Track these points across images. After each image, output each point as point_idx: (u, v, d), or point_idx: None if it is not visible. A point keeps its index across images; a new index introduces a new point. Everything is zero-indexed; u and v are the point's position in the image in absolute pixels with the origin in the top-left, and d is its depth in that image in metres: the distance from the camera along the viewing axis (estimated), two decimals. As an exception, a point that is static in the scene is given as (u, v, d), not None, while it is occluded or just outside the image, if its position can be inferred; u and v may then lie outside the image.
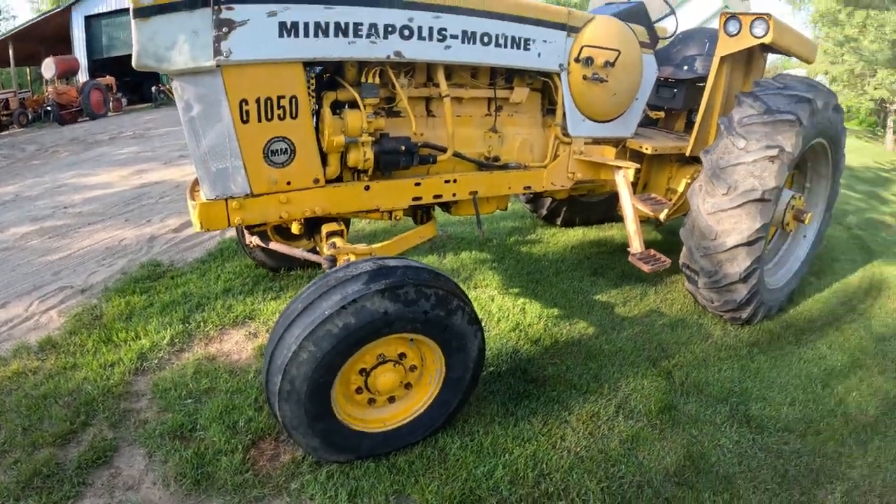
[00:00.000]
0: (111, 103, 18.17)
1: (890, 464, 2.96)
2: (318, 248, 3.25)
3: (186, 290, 4.04)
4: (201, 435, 2.65)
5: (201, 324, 3.61)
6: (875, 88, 24.61)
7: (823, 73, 27.72)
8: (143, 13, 2.20)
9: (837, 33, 21.13)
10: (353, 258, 2.70)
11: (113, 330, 3.48)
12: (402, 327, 2.26)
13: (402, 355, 2.44)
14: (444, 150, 3.20)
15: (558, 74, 3.50)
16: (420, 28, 2.80)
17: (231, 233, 5.10)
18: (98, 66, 21.95)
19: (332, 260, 2.76)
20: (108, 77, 18.98)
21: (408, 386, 2.54)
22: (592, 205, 5.88)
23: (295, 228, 3.24)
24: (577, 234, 5.83)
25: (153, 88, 19.40)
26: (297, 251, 3.33)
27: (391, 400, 2.53)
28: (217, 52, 2.32)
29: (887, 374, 3.88)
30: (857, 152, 21.75)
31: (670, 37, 4.81)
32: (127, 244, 5.13)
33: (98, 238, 5.30)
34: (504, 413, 2.90)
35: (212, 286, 4.13)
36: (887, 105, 26.11)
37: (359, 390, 2.40)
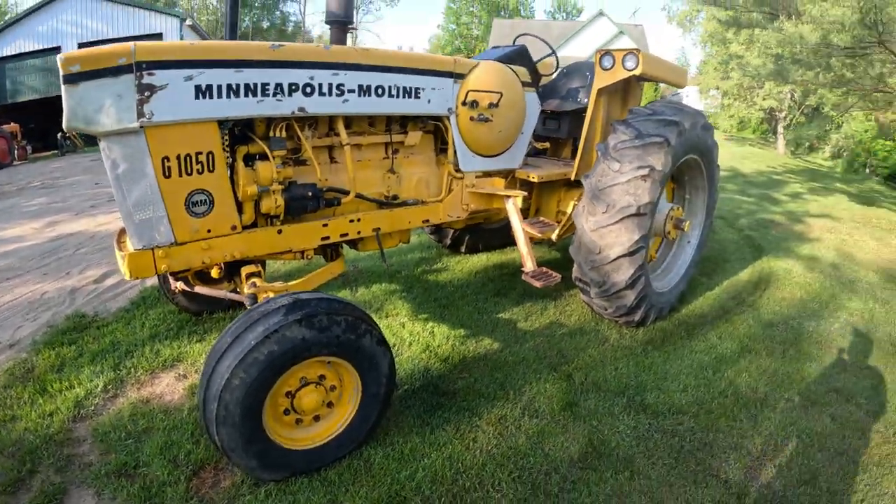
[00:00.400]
0: (16, 151, 17.40)
1: (780, 431, 3.41)
2: (238, 289, 3.46)
3: (114, 339, 4.13)
4: (145, 471, 2.79)
5: (132, 369, 3.71)
6: (764, 99, 26.58)
7: (715, 88, 29.69)
8: (72, 79, 2.40)
9: (723, 52, 22.77)
10: (271, 295, 2.95)
11: (47, 381, 3.55)
12: (318, 351, 2.53)
13: (322, 377, 2.70)
14: (347, 193, 3.49)
15: (448, 117, 3.87)
16: (320, 85, 3.11)
17: (151, 281, 5.20)
18: (1, 112, 21.03)
19: (254, 298, 2.98)
20: (12, 124, 18.20)
21: (330, 405, 2.78)
22: (494, 231, 6.24)
23: (214, 273, 3.47)
24: (480, 260, 6.19)
25: (59, 136, 18.71)
26: (221, 292, 3.51)
27: (316, 419, 2.76)
28: (140, 114, 2.56)
29: (775, 356, 4.40)
30: (752, 158, 23.31)
31: (553, 73, 5.24)
32: (49, 297, 5.11)
33: (19, 293, 5.25)
34: (420, 424, 3.17)
35: (138, 333, 4.22)
36: (776, 113, 28.14)
37: (286, 411, 2.63)
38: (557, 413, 3.37)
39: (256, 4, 51.11)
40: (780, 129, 27.78)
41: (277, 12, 52.52)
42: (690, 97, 37.79)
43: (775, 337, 4.77)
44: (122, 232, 3.31)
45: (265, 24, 52.80)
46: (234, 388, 2.32)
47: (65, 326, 4.42)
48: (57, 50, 19.42)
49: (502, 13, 63.20)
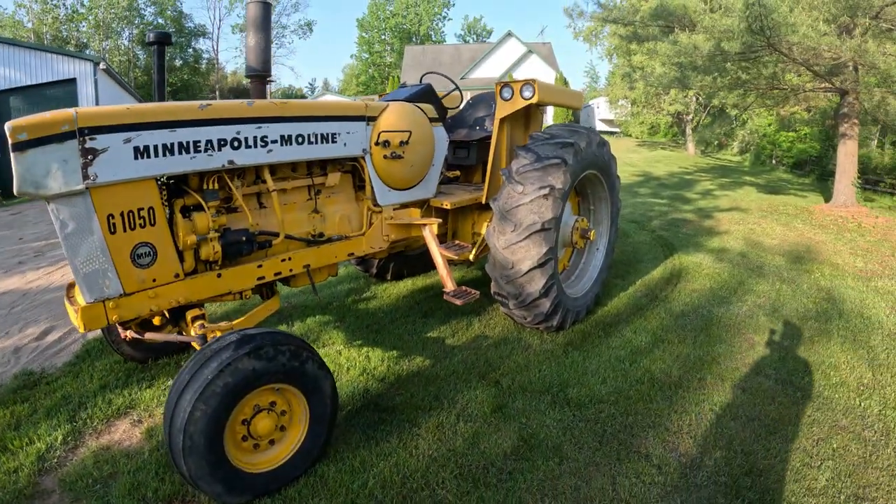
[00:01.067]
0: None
1: (694, 407, 3.84)
2: (184, 332, 3.62)
3: (65, 393, 4.19)
4: None
5: (88, 420, 3.79)
6: (670, 105, 28.05)
7: (624, 98, 31.14)
8: (20, 147, 2.54)
9: (627, 64, 24.02)
10: (218, 334, 3.17)
11: (6, 439, 3.60)
12: (268, 379, 2.77)
13: (273, 403, 2.92)
14: (277, 235, 3.73)
15: (363, 157, 4.17)
16: (246, 138, 3.38)
17: (93, 334, 5.25)
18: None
19: (203, 338, 3.18)
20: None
21: (282, 428, 3.00)
22: (416, 257, 6.55)
23: (156, 321, 3.63)
24: (406, 285, 6.48)
25: None
26: (172, 336, 3.64)
27: (272, 442, 2.96)
28: (85, 176, 2.74)
29: (686, 343, 4.85)
30: (664, 161, 24.32)
31: (459, 105, 5.64)
32: None
33: (-41, 356, 5.22)
34: (366, 439, 3.42)
35: (88, 385, 4.29)
36: (684, 116, 29.67)
37: (244, 438, 2.84)
38: (489, 415, 3.70)
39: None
40: (688, 131, 29.22)
41: (190, 49, 51.83)
42: (600, 108, 39.31)
43: (686, 326, 5.26)
44: (71, 286, 3.46)
45: (178, 62, 52.01)
46: (197, 420, 2.53)
47: (14, 385, 4.43)
48: (-31, 99, 18.68)
49: (413, 40, 64.25)
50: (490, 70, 40.54)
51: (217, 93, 52.81)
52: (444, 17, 68.75)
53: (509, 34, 41.77)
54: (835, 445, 3.48)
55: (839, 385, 4.24)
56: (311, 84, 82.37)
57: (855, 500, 3.02)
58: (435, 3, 66.90)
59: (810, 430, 3.65)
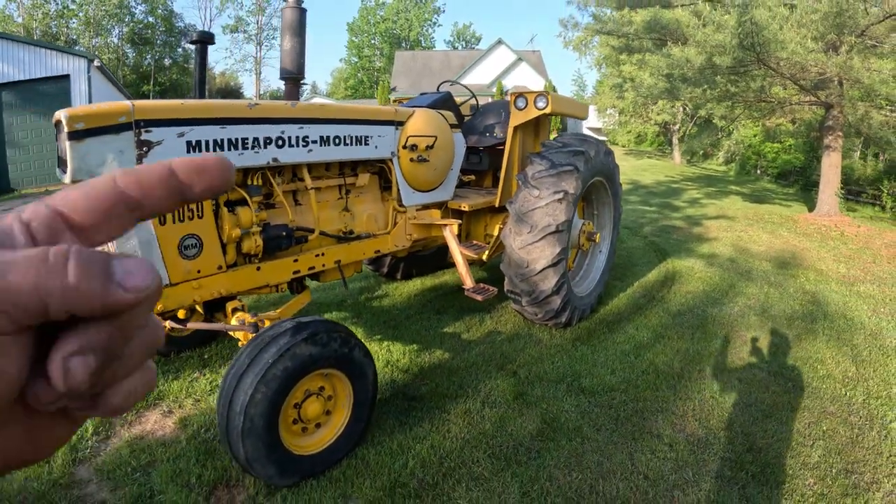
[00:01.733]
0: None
1: (696, 394, 4.17)
2: (220, 322, 3.73)
3: None
4: (161, 498, 2.96)
5: None
6: (658, 114, 28.45)
7: (612, 107, 31.53)
8: (77, 136, 2.61)
9: (617, 74, 24.39)
10: (268, 323, 3.34)
11: None
12: (322, 364, 2.97)
13: (322, 388, 3.11)
14: (312, 231, 3.92)
15: (391, 160, 4.39)
16: (290, 138, 3.57)
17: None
18: None
19: (255, 326, 3.30)
20: None
21: (328, 412, 3.18)
22: (425, 258, 6.80)
23: (181, 314, 3.64)
24: (416, 284, 6.70)
25: None
26: (220, 325, 3.65)
27: (318, 426, 3.15)
28: None
29: (685, 338, 5.16)
30: (651, 170, 24.59)
31: (473, 114, 5.91)
32: None
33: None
34: (400, 424, 3.64)
35: None
36: (671, 126, 30.12)
37: (294, 421, 3.01)
38: (511, 402, 3.96)
39: (158, 42, 49.98)
40: (675, 140, 29.63)
41: (179, 49, 51.56)
42: (589, 116, 39.56)
43: (684, 324, 5.56)
44: None
45: (167, 62, 51.71)
46: (258, 402, 2.69)
47: None
48: (-39, 93, 18.49)
49: (403, 45, 64.07)
50: (480, 77, 40.65)
51: (206, 94, 52.49)
52: (435, 23, 68.72)
53: (499, 41, 41.84)
54: (825, 428, 3.81)
55: (826, 377, 4.57)
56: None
57: (845, 473, 3.34)
58: (425, 9, 66.98)
59: (802, 414, 3.97)
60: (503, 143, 5.29)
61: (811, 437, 3.67)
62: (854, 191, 17.10)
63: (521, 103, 5.00)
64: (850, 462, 3.44)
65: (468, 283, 4.63)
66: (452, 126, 4.89)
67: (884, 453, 3.55)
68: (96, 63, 19.88)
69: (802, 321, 5.83)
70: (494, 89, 34.27)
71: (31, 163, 19.03)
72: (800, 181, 20.97)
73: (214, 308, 3.75)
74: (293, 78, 3.97)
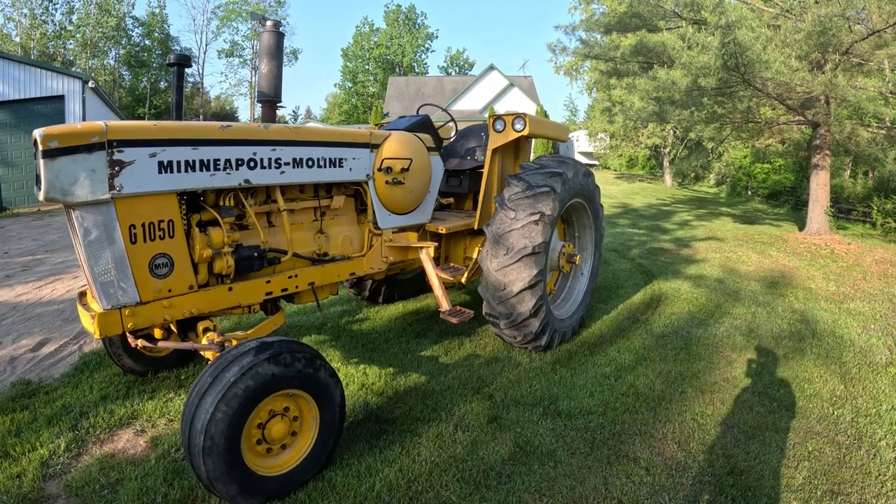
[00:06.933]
0: None
1: (677, 417, 4.08)
2: (192, 342, 3.69)
3: (65, 402, 4.24)
4: None
5: (90, 429, 3.84)
6: (648, 138, 28.66)
7: (603, 131, 31.75)
8: (50, 154, 2.69)
9: (605, 99, 24.61)
10: (234, 342, 3.31)
11: (7, 445, 3.64)
12: (285, 384, 2.92)
13: (287, 409, 3.06)
14: (285, 253, 3.92)
15: (366, 182, 4.40)
16: (262, 159, 3.59)
17: (89, 347, 5.44)
18: None
19: (221, 345, 3.29)
20: None
21: (294, 433, 3.13)
22: (407, 281, 6.81)
23: (157, 333, 3.65)
24: (398, 308, 6.68)
25: None
26: (188, 344, 3.63)
27: (283, 447, 3.10)
28: (111, 186, 2.89)
29: (668, 360, 5.08)
30: (642, 193, 24.68)
31: (452, 136, 5.93)
32: None
33: (-49, 363, 5.19)
34: (370, 447, 3.58)
35: (88, 396, 4.35)
36: (661, 149, 30.32)
37: (259, 441, 2.96)
38: (485, 426, 3.88)
39: (155, 65, 50.38)
40: (665, 163, 29.82)
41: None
42: (580, 140, 39.94)
43: (667, 345, 5.50)
44: (83, 294, 3.60)
45: (163, 84, 52.07)
46: (218, 421, 2.66)
47: (12, 393, 4.47)
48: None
49: (397, 70, 64.88)
50: (472, 102, 41.12)
51: (201, 116, 52.90)
52: (428, 49, 69.72)
53: (491, 67, 42.34)
54: (810, 448, 3.73)
55: (813, 396, 4.50)
56: (294, 111, 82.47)
57: (831, 495, 3.25)
58: (419, 35, 67.88)
59: (787, 435, 3.89)
60: (483, 166, 5.28)
61: (796, 458, 3.60)
62: (844, 208, 17.15)
63: (499, 126, 5.01)
64: (837, 483, 3.36)
65: (444, 305, 4.60)
66: (430, 149, 4.90)
67: (872, 473, 3.47)
68: (91, 84, 19.98)
69: (790, 340, 5.78)
70: (486, 115, 34.60)
71: (24, 182, 19.05)
72: (790, 201, 21.05)
73: (189, 328, 3.73)
74: (269, 101, 4.00)
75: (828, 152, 12.88)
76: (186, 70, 3.99)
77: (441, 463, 3.43)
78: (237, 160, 3.46)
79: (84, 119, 19.00)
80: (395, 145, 4.50)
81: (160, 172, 3.10)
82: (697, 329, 6.00)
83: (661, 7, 13.38)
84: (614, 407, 4.20)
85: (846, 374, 4.98)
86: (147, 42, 50.25)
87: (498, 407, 4.17)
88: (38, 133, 2.71)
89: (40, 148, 2.69)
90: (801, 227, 14.04)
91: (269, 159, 3.64)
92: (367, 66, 67.88)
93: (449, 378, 4.67)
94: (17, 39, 41.83)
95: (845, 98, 10.54)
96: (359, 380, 4.59)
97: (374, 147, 4.42)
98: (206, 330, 3.54)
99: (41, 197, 2.77)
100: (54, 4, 43.32)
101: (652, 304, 7.00)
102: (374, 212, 4.53)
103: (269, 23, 3.88)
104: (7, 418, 4.04)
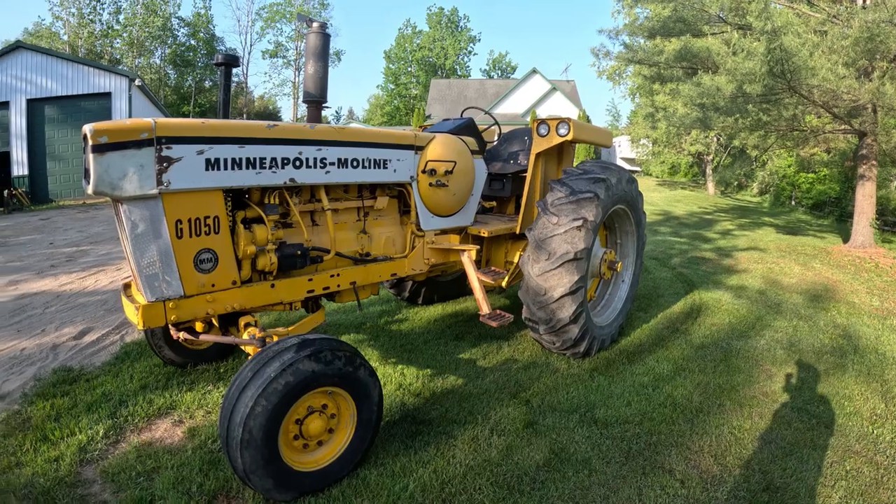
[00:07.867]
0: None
1: (714, 430, 3.99)
2: (233, 336, 3.74)
3: (105, 391, 4.33)
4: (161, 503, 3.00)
5: (128, 417, 3.92)
6: (691, 145, 28.18)
7: (645, 137, 31.33)
8: (100, 149, 2.76)
9: (648, 105, 24.27)
10: (275, 338, 3.35)
11: (46, 429, 3.73)
12: (325, 381, 2.94)
13: (325, 406, 3.08)
14: (328, 252, 3.95)
15: (410, 184, 4.41)
16: (307, 159, 3.63)
17: (131, 337, 5.57)
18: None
19: (262, 340, 3.33)
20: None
21: (331, 430, 3.16)
22: (447, 283, 6.82)
23: (198, 327, 3.77)
24: (437, 310, 6.68)
25: (5, 193, 18.06)
26: (229, 338, 3.67)
27: (320, 443, 3.12)
28: (159, 182, 2.96)
29: (706, 372, 4.98)
30: (684, 201, 24.34)
31: (495, 140, 5.91)
32: (30, 353, 5.27)
33: (-5, 349, 5.37)
34: (405, 447, 3.58)
35: (128, 385, 4.44)
36: (704, 157, 29.79)
37: (296, 437, 2.99)
38: (521, 430, 3.86)
39: (200, 64, 51.38)
40: (708, 171, 29.26)
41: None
42: (622, 146, 39.48)
43: (707, 356, 5.39)
44: (128, 285, 3.67)
45: (207, 84, 53.08)
46: (257, 415, 2.70)
47: (54, 379, 4.56)
48: (4, 105, 19.22)
49: (439, 73, 64.97)
50: (514, 105, 41.03)
51: (245, 116, 53.78)
52: (470, 52, 69.67)
53: (534, 71, 42.25)
54: (848, 468, 3.62)
55: (853, 414, 4.36)
56: (336, 112, 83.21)
57: (868, 516, 3.14)
58: (461, 38, 67.96)
59: (824, 453, 3.78)
60: (526, 171, 5.26)
61: (833, 477, 3.49)
62: (890, 221, 16.66)
63: (543, 130, 4.98)
64: (874, 504, 3.26)
65: (484, 308, 4.60)
66: (474, 152, 4.89)
67: (910, 496, 3.35)
68: (137, 82, 20.48)
69: (831, 356, 5.61)
70: (528, 118, 34.47)
71: (70, 175, 19.60)
72: (835, 212, 20.52)
73: (230, 322, 3.80)
74: (315, 101, 4.04)
75: (874, 162, 12.51)
76: (233, 70, 4.04)
77: (475, 466, 3.41)
78: (283, 159, 3.51)
79: (130, 116, 19.42)
80: (440, 148, 4.51)
81: (207, 169, 3.16)
82: (737, 341, 5.87)
83: (705, 12, 13.12)
84: (651, 417, 4.13)
85: (887, 392, 4.82)
86: (192, 42, 51.31)
87: (534, 412, 4.14)
88: (88, 128, 2.77)
89: (90, 143, 2.75)
90: (846, 239, 13.67)
91: (315, 159, 3.68)
92: (409, 69, 68.17)
93: (486, 382, 4.65)
94: (65, 38, 43.08)
95: (893, 107, 10.21)
96: (396, 380, 4.60)
97: (419, 149, 4.43)
98: (247, 325, 3.58)
99: (90, 190, 2.83)
100: (102, 4, 44.61)
101: (692, 314, 6.87)
102: (416, 213, 4.54)
103: (315, 24, 3.92)
104: (48, 403, 4.15)
